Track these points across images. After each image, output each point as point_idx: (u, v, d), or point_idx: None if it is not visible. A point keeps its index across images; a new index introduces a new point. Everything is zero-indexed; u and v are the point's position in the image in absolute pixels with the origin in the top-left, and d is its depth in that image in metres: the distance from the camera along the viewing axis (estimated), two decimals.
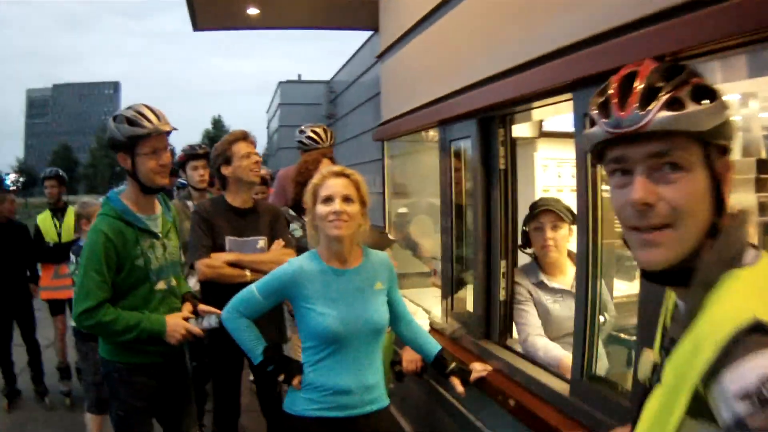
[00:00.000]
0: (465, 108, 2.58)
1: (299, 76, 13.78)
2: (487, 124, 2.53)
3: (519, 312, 2.44)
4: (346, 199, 1.93)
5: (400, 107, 3.63)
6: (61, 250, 4.20)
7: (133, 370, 2.24)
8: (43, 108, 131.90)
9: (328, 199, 1.92)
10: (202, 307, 2.38)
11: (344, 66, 8.09)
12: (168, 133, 2.25)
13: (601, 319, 1.96)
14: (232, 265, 2.65)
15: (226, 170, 2.74)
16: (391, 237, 2.82)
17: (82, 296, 2.12)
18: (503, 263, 2.49)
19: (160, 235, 2.30)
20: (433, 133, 3.63)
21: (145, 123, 2.16)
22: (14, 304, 4.41)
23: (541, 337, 2.36)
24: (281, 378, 2.02)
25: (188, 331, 2.22)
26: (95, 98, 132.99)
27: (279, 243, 2.81)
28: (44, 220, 4.73)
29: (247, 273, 2.63)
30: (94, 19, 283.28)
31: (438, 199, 3.11)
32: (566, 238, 2.46)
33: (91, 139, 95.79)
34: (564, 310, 2.37)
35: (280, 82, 11.54)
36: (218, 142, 2.85)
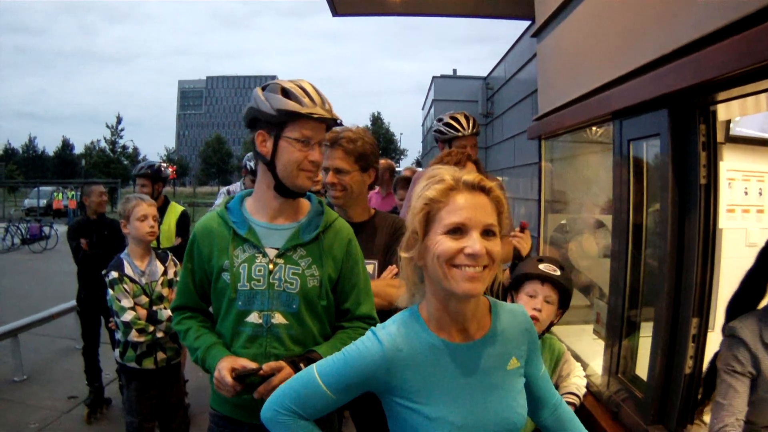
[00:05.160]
0: (650, 93, 1.91)
1: (454, 71, 13.29)
2: (684, 117, 1.87)
3: (727, 386, 1.69)
4: (488, 232, 1.20)
5: (562, 96, 2.98)
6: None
7: (225, 427, 1.81)
8: (196, 99, 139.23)
9: (458, 230, 1.19)
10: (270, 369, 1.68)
11: (501, 61, 7.48)
12: (330, 123, 1.78)
13: None
14: None
15: None
16: (562, 275, 2.07)
17: None
18: (695, 321, 1.82)
19: (268, 251, 1.74)
20: (599, 130, 2.91)
21: (306, 100, 1.69)
22: (104, 307, 3.63)
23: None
24: None
25: (219, 381, 1.65)
26: (250, 92, 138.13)
27: (391, 270, 2.21)
28: None
29: None
30: (251, 17, 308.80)
31: (606, 215, 2.41)
32: None
33: (245, 132, 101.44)
34: None
35: (434, 77, 11.15)
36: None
